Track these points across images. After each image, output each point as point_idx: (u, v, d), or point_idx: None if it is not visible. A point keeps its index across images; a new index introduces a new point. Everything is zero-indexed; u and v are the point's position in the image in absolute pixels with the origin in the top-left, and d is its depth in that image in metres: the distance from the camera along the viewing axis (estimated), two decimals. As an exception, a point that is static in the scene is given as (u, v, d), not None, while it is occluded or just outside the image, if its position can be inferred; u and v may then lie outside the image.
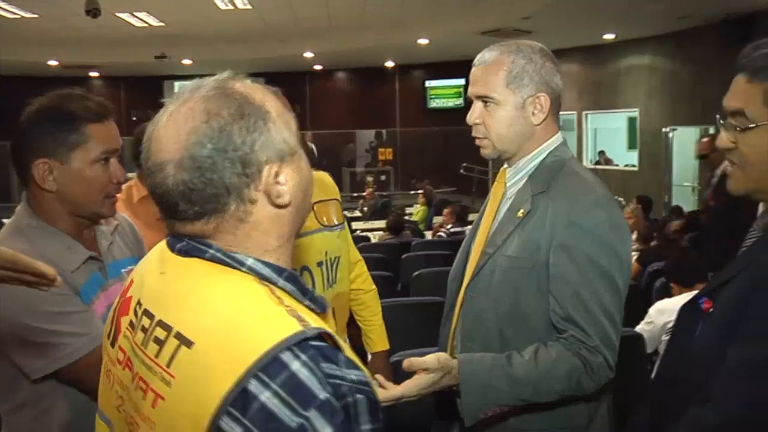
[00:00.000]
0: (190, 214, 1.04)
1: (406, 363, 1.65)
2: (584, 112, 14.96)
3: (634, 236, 6.21)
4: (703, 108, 11.60)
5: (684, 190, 12.69)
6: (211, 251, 1.05)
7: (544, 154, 1.83)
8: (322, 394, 0.89)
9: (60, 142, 1.65)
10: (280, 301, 0.99)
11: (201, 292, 1.03)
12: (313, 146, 15.84)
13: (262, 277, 1.04)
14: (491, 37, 11.38)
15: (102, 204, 1.73)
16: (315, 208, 2.28)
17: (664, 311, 3.60)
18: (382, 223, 9.08)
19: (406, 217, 10.89)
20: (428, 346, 2.13)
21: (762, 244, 1.41)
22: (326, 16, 12.41)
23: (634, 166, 14.00)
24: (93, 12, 8.81)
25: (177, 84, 18.60)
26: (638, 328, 3.62)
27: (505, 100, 1.79)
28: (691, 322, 1.44)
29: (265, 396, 0.88)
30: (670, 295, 3.80)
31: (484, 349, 1.76)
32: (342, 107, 18.62)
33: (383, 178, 17.02)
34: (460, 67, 16.74)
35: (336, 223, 2.37)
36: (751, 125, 1.35)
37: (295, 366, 0.90)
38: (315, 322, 0.97)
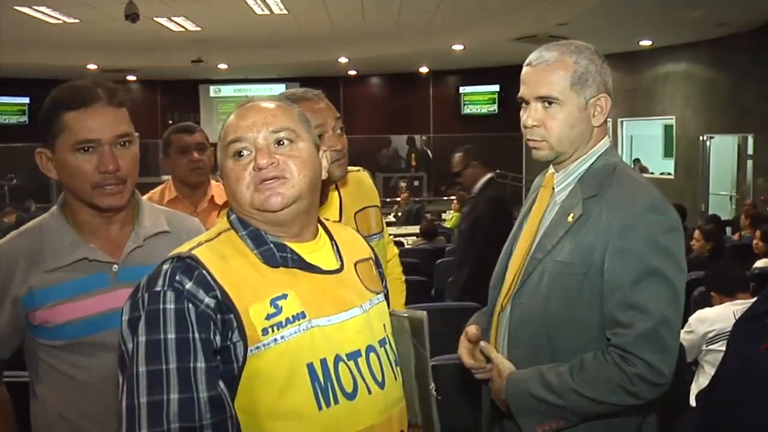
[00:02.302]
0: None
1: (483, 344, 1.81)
2: (620, 119, 14.83)
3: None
4: (740, 116, 11.44)
5: (721, 199, 12.51)
6: (230, 208, 1.51)
7: (594, 158, 1.81)
8: (157, 288, 1.31)
9: (48, 131, 1.68)
10: (209, 239, 1.43)
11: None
12: (427, 150, 16.02)
13: (232, 227, 1.46)
14: (526, 43, 11.32)
15: (92, 194, 1.69)
16: (356, 218, 2.28)
17: (705, 320, 3.55)
18: (415, 229, 9.08)
19: (439, 223, 10.88)
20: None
21: None
22: (361, 21, 12.45)
23: (669, 174, 13.83)
24: (132, 17, 8.93)
25: (212, 88, 18.80)
26: (677, 337, 3.56)
27: (569, 101, 1.75)
28: (754, 340, 1.39)
29: (143, 280, 1.35)
30: (710, 305, 3.74)
31: (532, 356, 1.75)
32: (376, 113, 18.64)
33: (416, 183, 17.01)
34: (495, 74, 16.92)
35: (375, 231, 2.35)
36: None
37: (164, 267, 1.35)
38: (222, 258, 1.38)
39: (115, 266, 1.76)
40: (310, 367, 1.35)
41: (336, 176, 2.14)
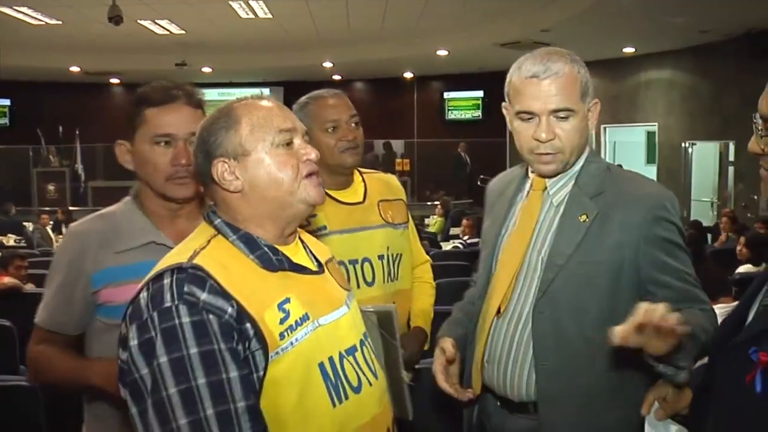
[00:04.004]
0: (201, 183, 1.51)
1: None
2: (603, 126, 14.89)
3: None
4: (723, 123, 11.53)
5: (703, 206, 12.61)
6: (209, 212, 1.49)
7: (583, 160, 1.84)
8: (167, 303, 1.27)
9: (129, 124, 1.84)
10: (203, 246, 1.39)
11: (187, 238, 1.49)
12: (466, 156, 16.00)
13: (219, 231, 1.44)
14: (510, 49, 11.38)
15: (164, 186, 1.84)
16: (380, 205, 2.40)
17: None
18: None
19: (422, 228, 10.87)
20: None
21: None
22: (346, 26, 12.46)
23: (652, 180, 13.89)
24: (115, 19, 8.89)
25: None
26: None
27: (579, 111, 1.77)
28: (738, 374, 1.34)
29: (142, 295, 1.32)
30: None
31: (567, 363, 1.75)
32: (360, 117, 18.57)
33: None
34: (479, 79, 16.92)
35: (399, 221, 2.43)
36: None
37: (166, 281, 1.31)
38: (226, 269, 1.35)
39: None
40: (321, 366, 1.40)
41: (349, 163, 2.34)
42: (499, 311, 1.84)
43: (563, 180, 1.83)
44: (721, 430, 1.39)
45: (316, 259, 1.57)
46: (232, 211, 1.45)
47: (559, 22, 10.47)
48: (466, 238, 8.31)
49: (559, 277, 1.75)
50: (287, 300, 1.38)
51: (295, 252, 1.51)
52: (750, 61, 10.54)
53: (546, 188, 1.85)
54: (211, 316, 1.27)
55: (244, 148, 1.42)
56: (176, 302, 1.27)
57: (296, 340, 1.36)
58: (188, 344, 1.24)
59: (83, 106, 16.76)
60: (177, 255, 1.38)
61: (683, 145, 12.78)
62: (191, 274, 1.31)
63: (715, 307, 3.50)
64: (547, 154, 1.77)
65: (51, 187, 16.31)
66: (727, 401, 1.40)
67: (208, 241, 1.41)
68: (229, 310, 1.29)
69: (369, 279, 2.30)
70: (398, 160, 18.40)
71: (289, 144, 1.44)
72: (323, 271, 1.55)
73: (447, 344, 1.88)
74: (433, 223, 11.92)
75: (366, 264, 2.30)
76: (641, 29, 10.97)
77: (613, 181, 1.79)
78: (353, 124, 2.37)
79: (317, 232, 2.17)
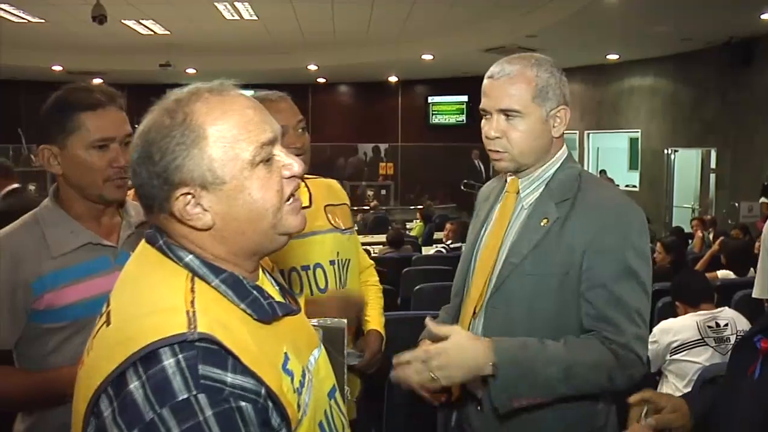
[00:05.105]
0: (145, 205, 1.13)
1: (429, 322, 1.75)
2: (586, 132, 14.99)
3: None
4: (704, 130, 11.64)
5: (684, 212, 12.71)
6: (161, 241, 1.12)
7: (557, 165, 1.85)
8: (183, 395, 0.94)
9: (59, 129, 1.80)
10: (192, 299, 1.04)
11: (137, 278, 1.11)
12: (480, 163, 15.89)
13: (195, 274, 1.08)
14: (495, 54, 11.38)
15: (103, 187, 1.83)
16: (326, 210, 2.34)
17: (669, 331, 3.58)
18: (382, 237, 9.06)
19: (405, 232, 10.87)
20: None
21: None
22: (331, 29, 12.45)
23: (634, 186, 14.02)
24: (99, 18, 8.82)
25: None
26: (641, 347, 3.59)
27: (531, 114, 1.77)
28: (745, 362, 1.44)
29: (134, 385, 0.95)
30: (674, 315, 3.78)
31: None
32: (344, 120, 18.62)
33: (383, 192, 17.01)
34: (464, 84, 16.96)
35: (345, 227, 2.39)
36: None
37: (168, 363, 0.96)
38: (228, 327, 1.03)
39: (116, 250, 1.89)
40: (321, 425, 1.19)
41: None
42: (474, 312, 1.86)
43: (535, 184, 1.86)
44: (725, 411, 1.45)
45: (278, 283, 1.30)
46: (198, 249, 1.12)
47: (544, 29, 10.52)
48: (449, 242, 8.30)
49: (514, 275, 1.78)
50: (287, 358, 1.12)
51: (263, 283, 1.22)
52: (731, 70, 10.66)
53: (519, 191, 1.88)
54: (243, 403, 0.98)
55: (215, 175, 1.08)
56: (194, 392, 0.95)
57: (306, 405, 1.13)
58: None
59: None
60: (154, 315, 1.02)
61: (665, 151, 12.89)
62: (203, 349, 0.99)
63: (696, 313, 3.57)
64: (496, 151, 1.83)
65: (32, 187, 16.14)
66: (730, 391, 1.48)
67: (192, 290, 1.06)
68: (262, 391, 1.02)
69: (322, 285, 2.25)
70: (382, 164, 18.41)
71: (269, 160, 1.12)
72: (299, 309, 1.27)
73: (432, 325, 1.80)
74: (414, 227, 11.92)
75: (318, 270, 2.25)
76: (625, 36, 11.06)
77: (581, 188, 1.79)
78: (300, 130, 2.24)
79: None
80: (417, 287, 5.29)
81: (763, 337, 1.40)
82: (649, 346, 3.56)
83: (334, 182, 2.52)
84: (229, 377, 0.98)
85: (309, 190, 2.35)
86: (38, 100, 1.93)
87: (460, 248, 7.71)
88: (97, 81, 17.87)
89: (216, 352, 0.99)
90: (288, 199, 1.14)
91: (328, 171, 16.11)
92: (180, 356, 0.97)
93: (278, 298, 1.21)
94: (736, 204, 10.45)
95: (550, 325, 1.74)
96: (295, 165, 1.14)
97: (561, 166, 1.85)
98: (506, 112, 1.78)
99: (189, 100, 1.10)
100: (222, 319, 1.04)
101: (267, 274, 1.28)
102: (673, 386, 3.47)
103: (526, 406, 1.68)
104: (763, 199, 9.72)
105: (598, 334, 1.69)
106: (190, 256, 1.10)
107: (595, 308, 1.71)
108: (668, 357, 3.54)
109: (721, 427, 1.47)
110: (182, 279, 1.07)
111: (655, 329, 3.65)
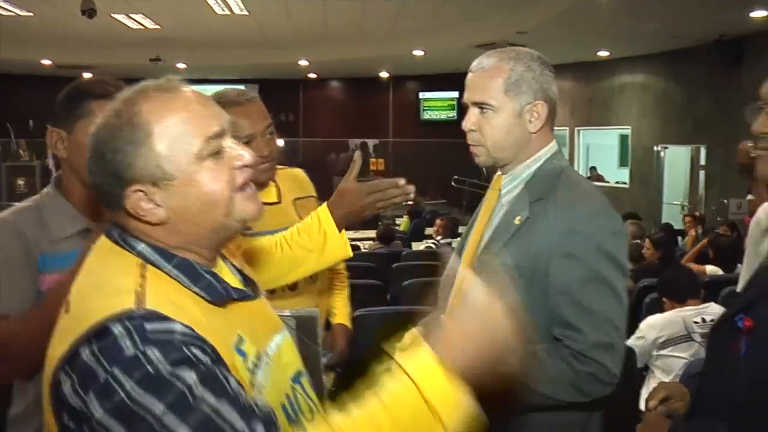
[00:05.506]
0: (103, 203, 1.19)
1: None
2: (577, 129, 15.01)
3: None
4: (694, 127, 11.68)
5: (675, 209, 12.75)
6: (114, 233, 1.18)
7: (540, 162, 1.81)
8: (131, 352, 0.99)
9: (68, 114, 1.84)
10: (141, 282, 1.09)
11: (93, 267, 1.17)
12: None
13: (147, 261, 1.13)
14: (486, 50, 11.38)
15: None
16: (296, 204, 2.32)
17: (655, 326, 3.60)
18: (372, 233, 9.06)
19: (395, 227, 10.88)
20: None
21: None
22: (323, 25, 12.42)
23: (624, 183, 14.06)
24: (89, 12, 8.78)
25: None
26: (629, 343, 3.61)
27: (503, 107, 1.76)
28: (728, 341, 1.44)
29: (86, 355, 1.00)
30: (661, 311, 3.79)
31: None
32: (335, 116, 18.62)
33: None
34: (455, 80, 16.79)
35: None
36: None
37: (117, 331, 1.00)
38: (183, 308, 1.08)
39: None
40: (284, 408, 1.21)
41: (262, 179, 2.17)
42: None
43: (516, 181, 1.82)
44: (713, 391, 1.46)
45: (239, 272, 1.33)
46: (154, 240, 1.17)
47: (534, 25, 10.53)
48: (439, 238, 8.32)
49: (479, 274, 1.76)
50: (241, 339, 1.16)
51: (221, 269, 1.26)
52: (721, 68, 10.69)
53: (501, 188, 1.87)
54: (194, 349, 1.02)
55: (164, 171, 1.12)
56: (141, 348, 0.99)
57: (261, 386, 1.16)
58: (182, 378, 0.98)
59: (55, 100, 16.56)
60: (106, 297, 1.07)
61: (656, 148, 12.92)
62: (150, 312, 1.04)
63: (682, 308, 3.59)
64: (472, 145, 1.82)
65: (21, 182, 16.04)
66: (717, 367, 1.48)
67: (142, 276, 1.11)
68: (210, 351, 1.05)
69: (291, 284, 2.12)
70: (372, 160, 18.40)
71: (218, 152, 1.16)
72: (259, 293, 1.32)
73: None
74: (402, 222, 11.95)
75: None
76: (615, 34, 11.08)
77: (558, 188, 1.73)
78: (269, 135, 2.15)
79: (244, 232, 2.01)
80: (406, 282, 5.29)
81: (745, 316, 1.41)
82: (636, 342, 3.61)
83: (299, 173, 2.49)
84: (179, 327, 1.03)
85: (277, 183, 2.32)
86: (27, 95, 1.95)
87: (450, 244, 7.72)
88: (87, 75, 17.79)
89: (164, 316, 1.04)
90: (243, 187, 1.18)
91: (320, 167, 16.19)
92: (128, 323, 1.01)
93: (237, 284, 1.25)
94: (725, 201, 10.49)
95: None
96: (246, 155, 1.18)
97: (544, 163, 1.81)
98: (480, 105, 1.78)
99: (135, 99, 1.15)
100: (172, 299, 1.09)
101: (227, 262, 1.31)
102: (660, 381, 3.50)
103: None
104: (750, 196, 9.77)
105: (562, 342, 1.63)
106: (143, 245, 1.15)
107: (559, 315, 1.65)
108: (654, 352, 3.56)
109: (711, 408, 1.47)
110: (133, 266, 1.12)
111: (642, 325, 3.67)
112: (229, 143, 1.18)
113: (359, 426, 1.05)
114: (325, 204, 1.92)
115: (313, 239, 1.88)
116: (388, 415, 1.05)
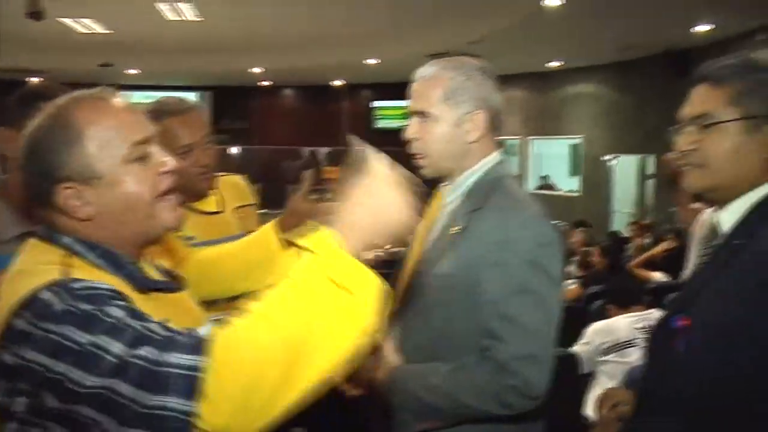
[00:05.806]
0: (32, 201, 1.27)
1: None
2: (529, 138, 15.16)
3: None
4: (644, 137, 11.87)
5: (624, 217, 12.94)
6: (42, 231, 1.27)
7: (481, 172, 1.79)
8: (60, 307, 1.07)
9: (19, 115, 1.80)
10: (65, 267, 1.16)
11: (21, 260, 1.24)
12: None
13: (73, 252, 1.22)
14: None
15: None
16: (239, 213, 2.31)
17: (600, 332, 3.63)
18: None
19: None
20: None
21: (728, 250, 1.44)
22: (276, 32, 12.35)
23: (576, 191, 14.23)
24: (34, 15, 8.55)
25: (122, 94, 18.26)
26: (575, 349, 3.65)
27: (442, 116, 1.75)
28: (666, 342, 1.48)
29: (19, 322, 1.08)
30: (606, 317, 3.84)
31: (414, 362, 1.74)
32: (289, 124, 18.52)
33: (329, 196, 16.96)
34: (408, 89, 16.97)
35: (254, 230, 2.34)
36: (716, 121, 1.45)
37: (46, 297, 1.08)
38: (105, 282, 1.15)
39: None
40: None
41: (201, 189, 2.18)
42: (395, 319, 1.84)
43: (457, 191, 1.81)
44: (657, 395, 1.49)
45: (164, 271, 1.42)
46: (80, 236, 1.25)
47: (486, 35, 10.61)
48: (388, 246, 8.31)
49: (419, 283, 1.76)
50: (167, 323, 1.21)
51: (142, 267, 1.35)
52: (669, 79, 10.89)
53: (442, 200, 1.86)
54: (121, 302, 1.11)
55: (93, 170, 1.22)
56: (72, 302, 1.07)
57: None
58: (111, 315, 1.06)
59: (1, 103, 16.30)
60: (33, 277, 1.14)
61: (606, 157, 13.11)
62: (76, 279, 1.13)
63: (626, 315, 3.63)
64: (414, 154, 1.81)
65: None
66: (656, 369, 1.52)
67: (67, 265, 1.19)
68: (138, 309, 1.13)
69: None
70: (327, 168, 18.35)
71: (143, 158, 1.25)
72: (182, 287, 1.42)
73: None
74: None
75: None
76: (567, 44, 11.22)
77: (495, 198, 1.72)
78: (208, 145, 2.15)
79: (186, 242, 1.99)
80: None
81: (682, 316, 1.44)
82: (582, 348, 3.64)
83: (240, 180, 2.48)
84: (105, 286, 1.12)
85: (221, 194, 2.31)
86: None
87: (398, 252, 7.71)
88: (33, 80, 17.45)
89: (91, 281, 1.13)
90: (165, 195, 1.28)
91: (271, 175, 16.08)
92: (55, 287, 1.10)
93: (158, 277, 1.36)
94: (673, 210, 10.67)
95: (444, 337, 1.70)
96: (169, 162, 1.29)
97: (485, 173, 1.78)
98: (420, 114, 1.77)
99: (70, 104, 1.26)
100: (98, 279, 1.16)
101: (148, 262, 1.39)
102: (605, 387, 3.52)
103: (432, 429, 1.67)
104: (696, 204, 9.94)
105: (488, 354, 1.61)
106: (68, 238, 1.24)
107: (485, 326, 1.63)
108: (600, 358, 3.59)
109: (657, 407, 1.49)
110: (56, 255, 1.21)
111: (588, 331, 3.71)
112: (154, 150, 1.28)
113: (270, 302, 1.13)
114: (274, 221, 1.94)
115: (260, 254, 1.89)
116: (292, 286, 1.14)
